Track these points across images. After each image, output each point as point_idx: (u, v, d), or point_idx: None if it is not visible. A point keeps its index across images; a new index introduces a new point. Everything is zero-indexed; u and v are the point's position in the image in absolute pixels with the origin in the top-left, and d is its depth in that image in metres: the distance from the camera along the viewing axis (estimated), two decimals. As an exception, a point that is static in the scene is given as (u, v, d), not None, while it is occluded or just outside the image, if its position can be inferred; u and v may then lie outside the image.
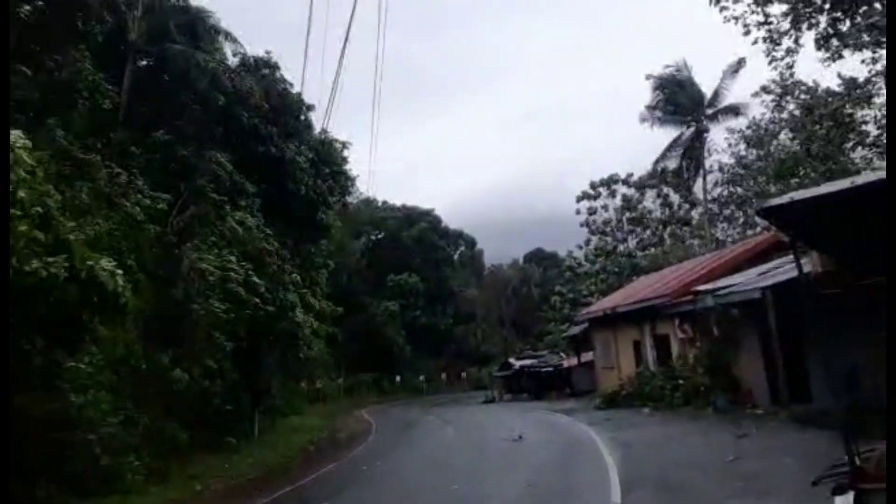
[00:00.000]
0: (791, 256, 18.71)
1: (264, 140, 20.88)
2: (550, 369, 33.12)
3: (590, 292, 40.38)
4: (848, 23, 21.50)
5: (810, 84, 24.35)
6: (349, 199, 44.98)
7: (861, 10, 21.03)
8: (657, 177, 42.31)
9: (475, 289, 58.78)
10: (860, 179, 5.32)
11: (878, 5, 20.55)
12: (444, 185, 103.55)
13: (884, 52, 20.33)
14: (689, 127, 39.71)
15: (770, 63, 22.98)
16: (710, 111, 38.88)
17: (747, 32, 22.58)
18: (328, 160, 24.64)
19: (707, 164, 39.00)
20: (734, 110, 36.60)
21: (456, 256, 63.61)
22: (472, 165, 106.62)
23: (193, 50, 18.78)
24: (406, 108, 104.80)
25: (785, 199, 5.26)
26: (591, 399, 24.71)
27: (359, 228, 54.47)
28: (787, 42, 22.39)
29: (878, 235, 5.39)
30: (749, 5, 22.17)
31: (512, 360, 36.87)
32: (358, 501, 10.82)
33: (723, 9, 22.74)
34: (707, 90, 38.55)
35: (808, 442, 10.70)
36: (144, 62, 19.30)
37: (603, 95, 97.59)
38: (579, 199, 43.86)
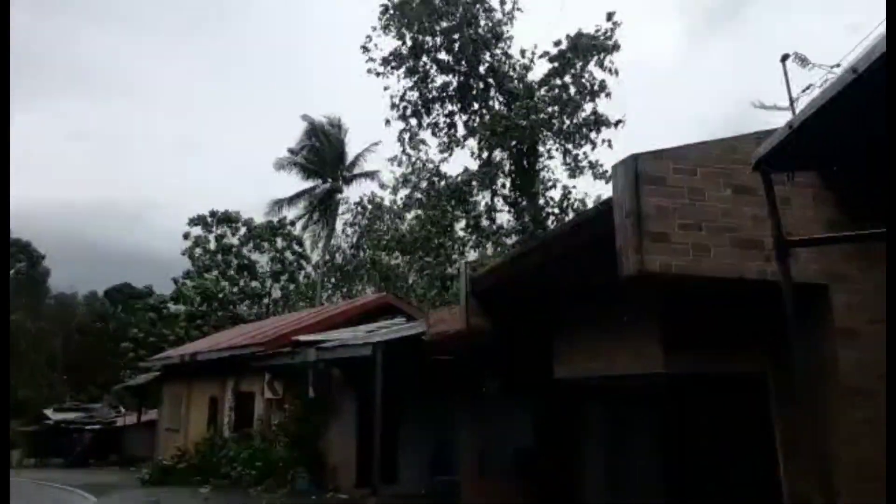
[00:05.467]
0: (400, 318, 17.44)
1: None
2: (97, 427, 25.70)
3: (177, 337, 34.22)
4: (462, 118, 23.10)
5: (434, 167, 24.80)
6: None
7: (473, 109, 22.84)
8: (276, 226, 39.75)
9: (26, 317, 45.35)
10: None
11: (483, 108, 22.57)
12: (23, 186, 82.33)
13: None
14: (325, 182, 38.58)
15: (398, 138, 23.07)
16: (348, 174, 38.58)
17: (387, 88, 22.47)
18: None
19: (338, 226, 38.16)
20: (370, 176, 36.95)
21: (11, 273, 48.95)
22: (51, 174, 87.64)
23: None
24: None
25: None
26: (143, 469, 18.93)
27: None
28: (413, 121, 22.92)
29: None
30: (389, 64, 22.20)
31: (49, 413, 27.86)
32: None
33: (369, 59, 22.25)
34: (351, 151, 38.42)
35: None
36: None
37: (231, 137, 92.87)
38: (192, 223, 37.97)
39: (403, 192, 25.85)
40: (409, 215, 26.76)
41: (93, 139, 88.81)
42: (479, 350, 9.22)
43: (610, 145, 21.05)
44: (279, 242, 40.08)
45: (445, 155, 22.75)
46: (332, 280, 37.13)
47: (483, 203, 23.31)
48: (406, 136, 22.87)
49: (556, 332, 7.68)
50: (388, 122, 22.73)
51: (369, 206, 33.67)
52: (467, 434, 10.27)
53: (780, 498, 5.30)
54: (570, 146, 21.38)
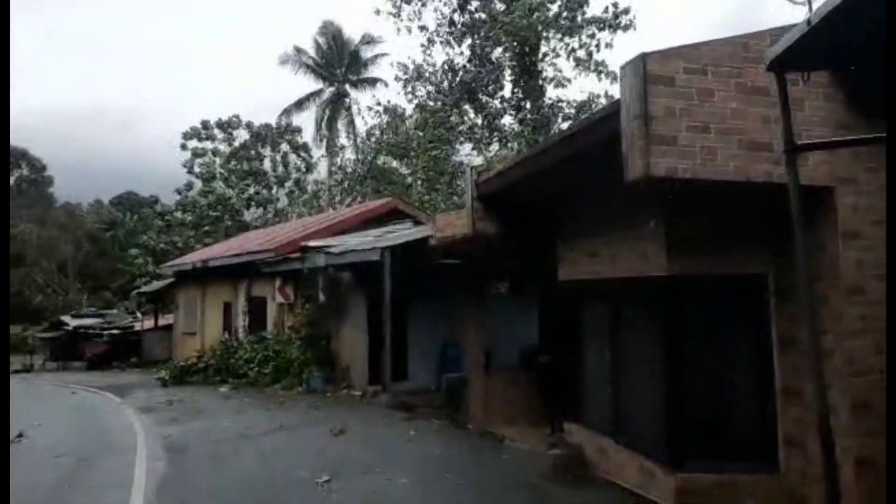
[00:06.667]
0: (408, 223, 17.56)
1: None
2: (116, 332, 26.61)
3: (187, 244, 34.66)
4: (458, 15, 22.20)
5: (439, 69, 24.00)
6: None
7: (470, 9, 21.86)
8: (281, 130, 39.17)
9: (34, 225, 45.72)
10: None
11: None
12: (16, 92, 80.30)
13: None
14: (331, 86, 37.66)
15: (398, 32, 22.46)
16: (353, 77, 37.61)
17: None
18: None
19: (345, 131, 37.61)
20: (377, 83, 36.05)
21: (11, 181, 48.95)
22: (62, 80, 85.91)
23: None
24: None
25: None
26: (163, 371, 19.80)
27: None
28: (408, 9, 22.20)
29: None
30: None
31: (66, 319, 28.79)
32: None
33: None
34: (360, 56, 37.42)
35: (416, 442, 8.59)
36: None
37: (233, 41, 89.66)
38: (187, 137, 37.41)
39: (407, 99, 25.33)
40: (413, 114, 26.19)
41: (73, 41, 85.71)
42: (486, 253, 9.36)
43: (613, 37, 20.27)
44: (284, 147, 39.59)
45: (442, 56, 22.20)
46: (343, 186, 37.08)
47: (487, 103, 22.85)
48: (401, 24, 22.18)
49: (561, 235, 7.76)
50: (378, 11, 21.97)
51: (379, 109, 33.09)
52: (474, 333, 10.62)
53: (773, 391, 5.57)
54: (575, 45, 20.64)
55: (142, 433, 10.10)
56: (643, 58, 4.81)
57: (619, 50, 20.66)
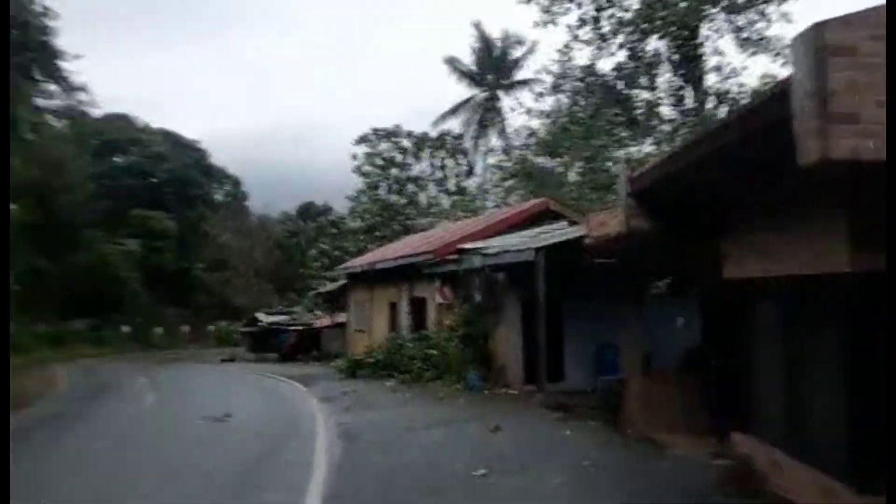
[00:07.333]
0: (562, 223, 17.32)
1: None
2: (300, 328, 29.40)
3: (357, 249, 37.30)
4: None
5: (584, 65, 23.53)
6: (85, 107, 35.96)
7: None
8: (438, 139, 40.82)
9: (234, 235, 52.08)
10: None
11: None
12: (212, 117, 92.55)
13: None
14: (483, 91, 38.70)
15: (544, 25, 22.33)
16: (505, 81, 38.35)
17: None
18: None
19: (496, 133, 38.47)
20: (527, 84, 36.30)
21: (219, 197, 56.15)
22: (247, 103, 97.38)
23: None
24: (175, 27, 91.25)
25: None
26: (340, 364, 21.58)
27: (101, 147, 45.18)
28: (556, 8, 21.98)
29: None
30: None
31: (261, 316, 32.36)
32: None
33: None
34: (513, 60, 38.31)
35: (571, 443, 8.47)
36: None
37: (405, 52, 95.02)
38: (358, 143, 40.33)
39: (553, 98, 25.06)
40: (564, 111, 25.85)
41: (252, 69, 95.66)
42: (642, 251, 8.96)
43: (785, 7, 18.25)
44: (442, 153, 41.20)
45: (595, 50, 21.61)
46: (501, 187, 37.67)
47: (642, 98, 21.89)
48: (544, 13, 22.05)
49: (724, 231, 7.20)
50: (536, 24, 21.92)
51: (524, 110, 33.25)
52: (632, 334, 10.20)
53: None
54: (742, 22, 18.96)
55: (321, 419, 11.17)
56: (818, 27, 4.33)
57: (798, 25, 18.75)
